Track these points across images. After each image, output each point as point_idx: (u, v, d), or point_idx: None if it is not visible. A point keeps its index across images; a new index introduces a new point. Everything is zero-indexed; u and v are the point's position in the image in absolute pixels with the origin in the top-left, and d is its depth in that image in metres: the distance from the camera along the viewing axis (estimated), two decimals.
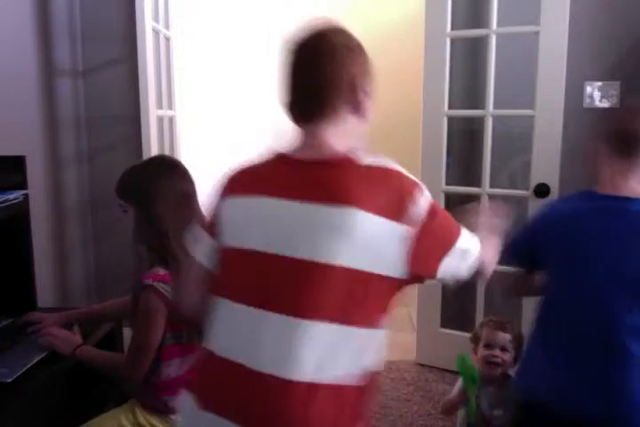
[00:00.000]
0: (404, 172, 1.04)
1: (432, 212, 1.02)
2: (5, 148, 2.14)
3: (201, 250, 1.15)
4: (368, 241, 0.97)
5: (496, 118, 2.69)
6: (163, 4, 2.88)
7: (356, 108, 1.08)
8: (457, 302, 3.03)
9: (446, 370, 2.85)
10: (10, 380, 1.53)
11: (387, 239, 0.98)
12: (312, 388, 0.95)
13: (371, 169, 1.02)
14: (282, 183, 1.05)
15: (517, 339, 1.92)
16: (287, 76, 1.09)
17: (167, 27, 2.94)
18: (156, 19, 2.76)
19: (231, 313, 1.04)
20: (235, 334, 1.03)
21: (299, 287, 0.98)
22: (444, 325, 2.92)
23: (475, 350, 1.96)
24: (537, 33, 2.52)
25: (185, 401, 1.07)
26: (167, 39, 2.97)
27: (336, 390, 0.97)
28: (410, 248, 0.99)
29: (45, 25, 2.67)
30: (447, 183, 2.83)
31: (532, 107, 2.58)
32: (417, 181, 1.03)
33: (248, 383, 0.98)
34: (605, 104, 2.63)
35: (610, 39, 2.58)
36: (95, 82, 2.94)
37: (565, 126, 2.55)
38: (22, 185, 1.97)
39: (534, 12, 2.50)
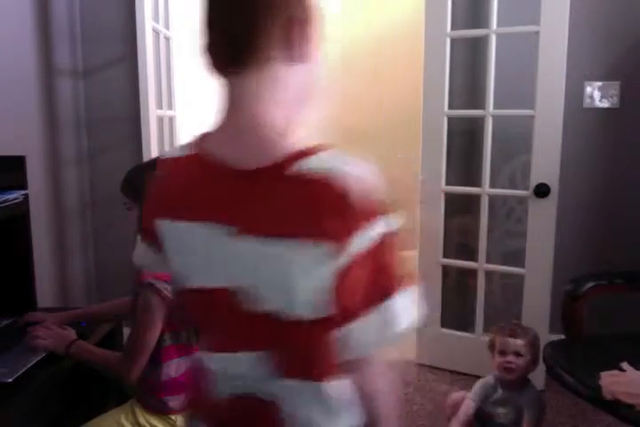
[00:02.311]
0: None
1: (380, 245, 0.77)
2: (5, 148, 2.15)
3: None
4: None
5: (496, 118, 2.69)
6: (163, 4, 2.88)
7: (295, 55, 0.84)
8: (457, 302, 3.03)
9: (446, 370, 2.85)
10: (10, 380, 1.52)
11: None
12: None
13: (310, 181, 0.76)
14: (217, 202, 0.83)
15: (532, 343, 1.94)
16: (203, 9, 0.85)
17: (167, 27, 2.94)
18: (155, 19, 2.76)
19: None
20: None
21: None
22: (444, 325, 2.92)
23: (492, 357, 2.02)
24: (537, 33, 2.52)
25: None
26: (167, 39, 2.97)
27: None
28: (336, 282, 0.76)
29: (45, 25, 2.67)
30: (447, 183, 2.83)
31: (532, 107, 2.58)
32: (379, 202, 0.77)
33: None
34: (605, 104, 2.63)
35: (610, 39, 2.58)
36: (95, 82, 2.94)
37: (565, 126, 2.55)
38: (22, 185, 1.97)
39: (534, 12, 2.49)
